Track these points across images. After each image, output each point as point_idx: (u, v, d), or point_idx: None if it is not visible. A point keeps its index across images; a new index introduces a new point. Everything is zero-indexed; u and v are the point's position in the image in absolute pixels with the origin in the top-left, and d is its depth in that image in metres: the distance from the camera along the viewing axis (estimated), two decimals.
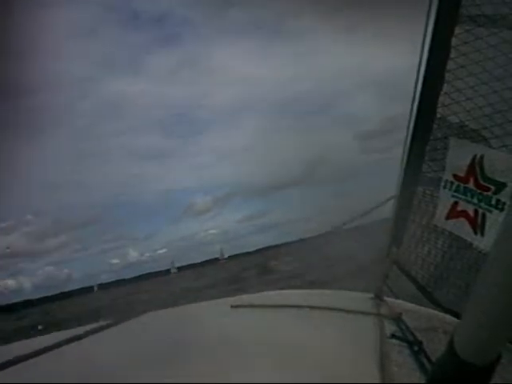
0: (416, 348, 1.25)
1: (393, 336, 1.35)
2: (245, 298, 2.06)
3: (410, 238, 1.76)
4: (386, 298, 1.83)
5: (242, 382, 1.09)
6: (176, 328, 1.80)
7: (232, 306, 1.90)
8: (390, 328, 1.45)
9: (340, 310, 1.68)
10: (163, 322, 1.93)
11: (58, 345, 1.48)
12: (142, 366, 1.30)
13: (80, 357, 1.49)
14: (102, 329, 1.62)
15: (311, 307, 1.75)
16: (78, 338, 1.56)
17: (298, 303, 1.81)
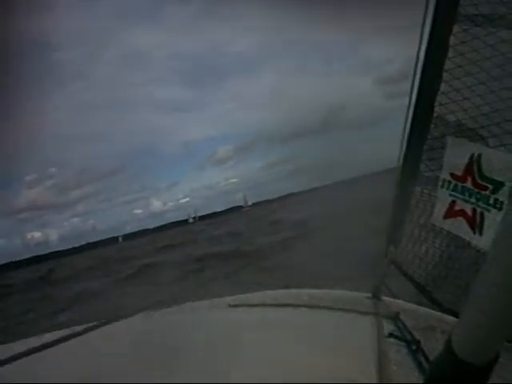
0: (414, 347, 1.25)
1: (391, 335, 1.35)
2: (243, 298, 2.05)
3: (407, 238, 1.76)
4: (383, 298, 1.84)
5: (240, 382, 1.09)
6: (174, 327, 1.80)
7: (230, 305, 1.90)
8: (387, 327, 1.45)
9: (338, 309, 1.68)
10: (161, 321, 1.93)
11: (57, 342, 1.47)
12: (139, 366, 1.30)
13: (78, 355, 1.49)
14: (98, 327, 1.62)
15: (309, 306, 1.75)
16: (77, 335, 1.56)
17: (295, 303, 1.81)
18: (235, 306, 1.90)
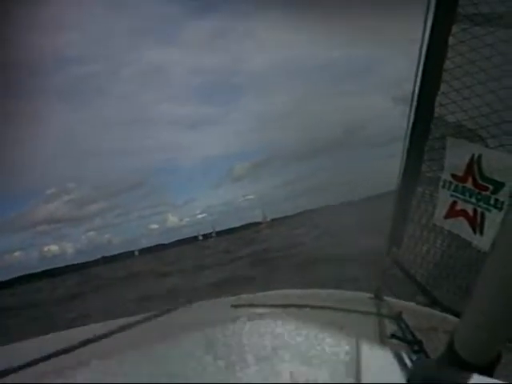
0: (416, 347, 1.25)
1: (393, 336, 1.35)
2: (245, 298, 2.05)
3: (409, 238, 1.76)
4: (385, 298, 1.83)
5: (241, 383, 1.09)
6: (176, 327, 1.80)
7: (232, 306, 1.90)
8: (389, 327, 1.44)
9: (340, 309, 1.68)
10: (164, 321, 1.93)
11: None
12: (138, 365, 1.30)
13: (81, 354, 1.49)
14: (109, 333, 1.62)
15: (311, 307, 1.75)
16: (90, 340, 1.56)
17: (298, 303, 1.80)
18: (237, 306, 1.90)
